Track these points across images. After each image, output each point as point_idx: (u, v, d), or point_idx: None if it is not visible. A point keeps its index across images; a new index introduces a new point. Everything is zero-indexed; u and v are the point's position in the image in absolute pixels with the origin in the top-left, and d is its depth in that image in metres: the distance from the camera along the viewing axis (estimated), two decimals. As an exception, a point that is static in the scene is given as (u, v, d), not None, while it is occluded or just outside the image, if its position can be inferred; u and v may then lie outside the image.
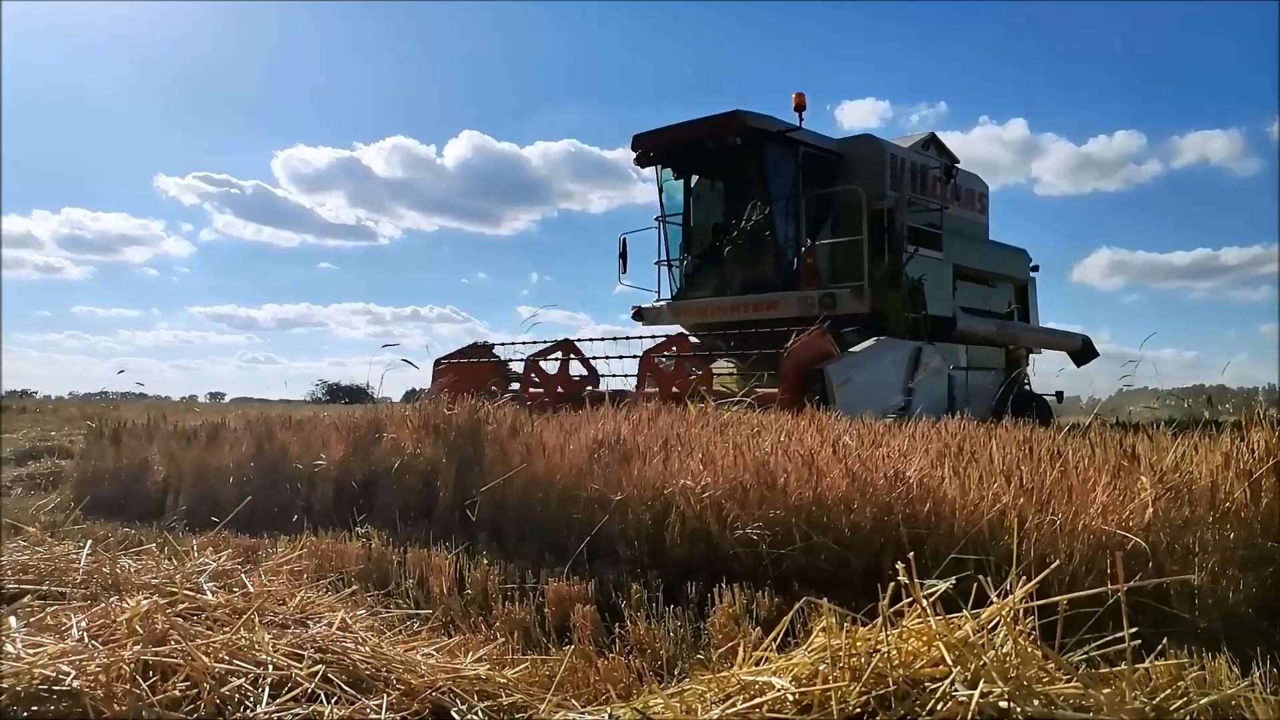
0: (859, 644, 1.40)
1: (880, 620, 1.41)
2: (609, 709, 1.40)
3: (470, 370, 10.01)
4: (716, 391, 8.31)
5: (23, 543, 2.45)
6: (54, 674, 1.43)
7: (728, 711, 1.26)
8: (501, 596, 3.61)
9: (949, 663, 1.35)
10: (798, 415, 5.94)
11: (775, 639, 1.53)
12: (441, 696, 1.93)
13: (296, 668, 1.75)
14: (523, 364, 9.88)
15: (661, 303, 11.53)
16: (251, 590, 2.28)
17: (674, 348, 9.05)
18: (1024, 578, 1.52)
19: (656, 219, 11.71)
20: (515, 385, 9.95)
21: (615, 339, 9.54)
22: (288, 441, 5.51)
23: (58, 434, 11.16)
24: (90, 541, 2.33)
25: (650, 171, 11.68)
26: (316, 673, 1.77)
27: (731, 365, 10.11)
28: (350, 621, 2.25)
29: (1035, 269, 14.16)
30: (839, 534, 3.60)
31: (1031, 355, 13.54)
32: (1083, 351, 13.76)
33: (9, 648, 1.59)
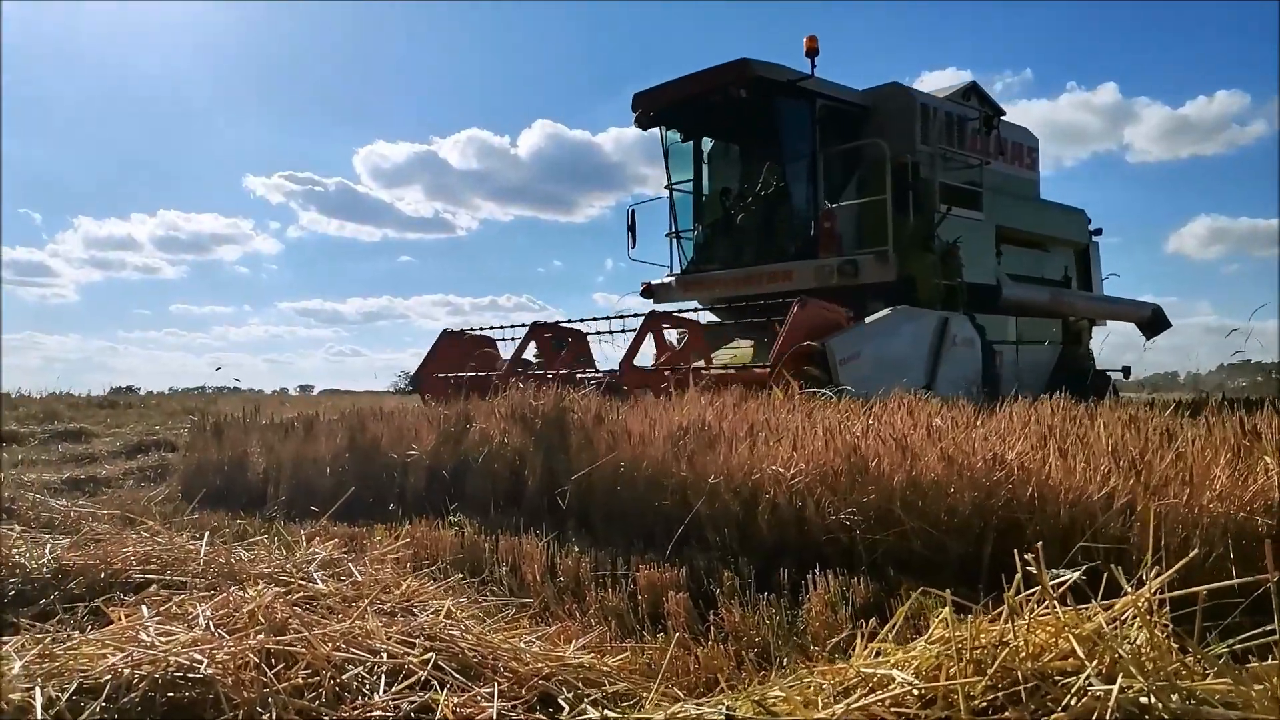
0: (983, 636, 1.35)
1: (1005, 611, 1.36)
2: (725, 700, 1.38)
3: (452, 356, 9.50)
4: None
5: (144, 534, 2.56)
6: (187, 662, 1.49)
7: (852, 706, 1.23)
8: (594, 583, 3.64)
9: (1080, 656, 1.30)
10: (788, 399, 5.49)
11: (892, 629, 1.49)
12: (548, 684, 1.95)
13: (409, 656, 1.79)
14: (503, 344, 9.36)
15: (671, 278, 10.76)
16: (359, 579, 2.34)
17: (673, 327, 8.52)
18: (1157, 567, 1.44)
19: (667, 187, 10.86)
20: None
21: (597, 319, 8.94)
22: (379, 433, 5.65)
23: (161, 428, 11.70)
24: (208, 533, 2.42)
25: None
26: (428, 660, 1.80)
27: (752, 343, 9.33)
28: (454, 610, 2.29)
29: (1098, 233, 12.95)
30: (935, 519, 3.51)
31: (1096, 327, 12.37)
32: (1152, 322, 12.67)
33: (143, 636, 1.66)
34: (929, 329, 7.96)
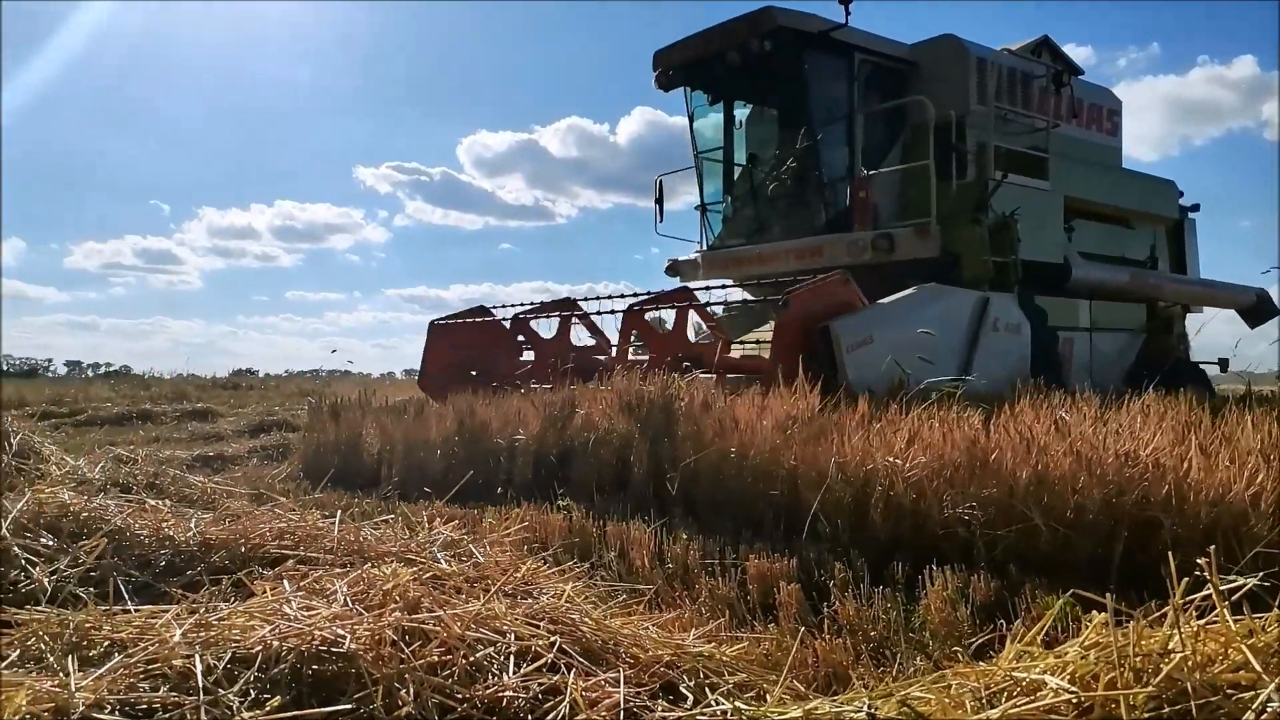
0: (1144, 643, 1.27)
1: (1171, 616, 1.28)
2: (863, 699, 1.35)
3: (472, 335, 8.76)
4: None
5: (278, 511, 2.68)
6: (331, 636, 1.54)
7: (1008, 712, 1.18)
8: (702, 571, 3.63)
9: (1257, 669, 1.21)
10: (790, 391, 4.91)
11: (1041, 632, 1.42)
12: (669, 672, 1.95)
13: (536, 638, 1.81)
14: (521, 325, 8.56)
15: (697, 254, 9.95)
16: (480, 560, 2.39)
17: (668, 303, 7.52)
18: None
19: (695, 156, 9.92)
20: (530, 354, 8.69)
21: (621, 296, 8.04)
22: (487, 417, 5.77)
23: (280, 409, 12.28)
24: (340, 512, 2.51)
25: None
26: (553, 644, 1.82)
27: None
28: (573, 594, 2.31)
29: (1194, 209, 11.53)
30: (1061, 515, 3.36)
31: (1190, 314, 11.15)
32: (1257, 309, 11.26)
33: (286, 609, 1.73)
34: (964, 311, 6.84)
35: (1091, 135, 10.17)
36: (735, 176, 9.76)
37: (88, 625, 1.59)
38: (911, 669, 2.49)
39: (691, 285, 8.91)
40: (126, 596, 1.97)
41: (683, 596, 3.40)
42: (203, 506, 3.20)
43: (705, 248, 9.83)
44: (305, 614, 1.69)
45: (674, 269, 10.21)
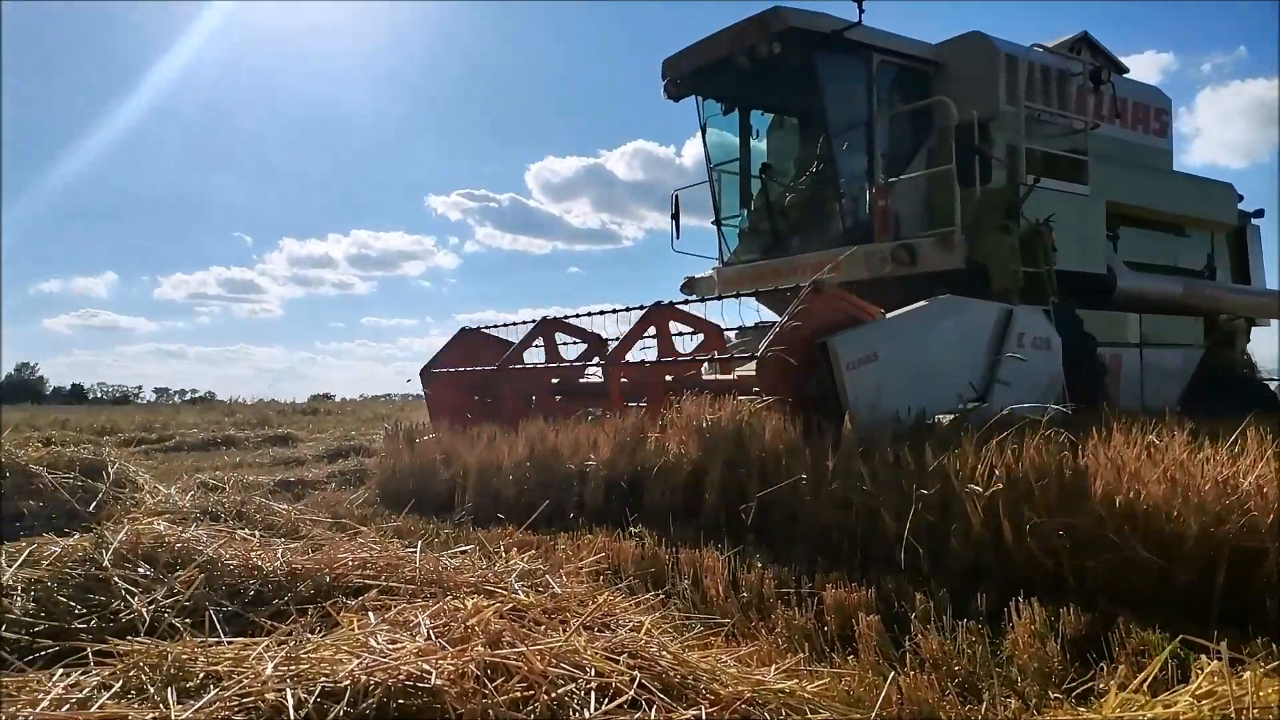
0: (1263, 693, 1.20)
1: (1291, 668, 1.21)
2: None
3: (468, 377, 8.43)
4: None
5: (359, 540, 2.73)
6: (417, 671, 1.55)
7: (1118, 766, 1.12)
8: (778, 600, 3.57)
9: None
10: (791, 414, 4.83)
11: (1148, 678, 1.36)
12: (750, 709, 1.92)
13: (616, 674, 1.80)
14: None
15: (712, 270, 9.50)
16: (558, 592, 2.40)
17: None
18: None
19: (710, 169, 9.44)
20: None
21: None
22: (558, 443, 5.81)
23: (356, 433, 12.58)
24: (420, 542, 2.55)
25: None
26: (634, 679, 1.81)
27: None
28: (649, 625, 2.30)
29: (1258, 214, 10.72)
30: (1155, 545, 3.21)
31: (1257, 327, 10.42)
32: None
33: (372, 642, 1.76)
34: (984, 325, 6.13)
35: (1137, 136, 9.51)
36: (752, 189, 9.34)
37: (185, 657, 1.64)
38: (1003, 710, 2.40)
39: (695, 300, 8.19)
40: (219, 627, 2.02)
41: (758, 627, 3.35)
42: (286, 534, 3.28)
43: (721, 263, 9.46)
44: (390, 647, 1.71)
45: (689, 286, 9.90)
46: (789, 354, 5.25)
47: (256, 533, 2.64)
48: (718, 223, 9.51)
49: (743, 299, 8.45)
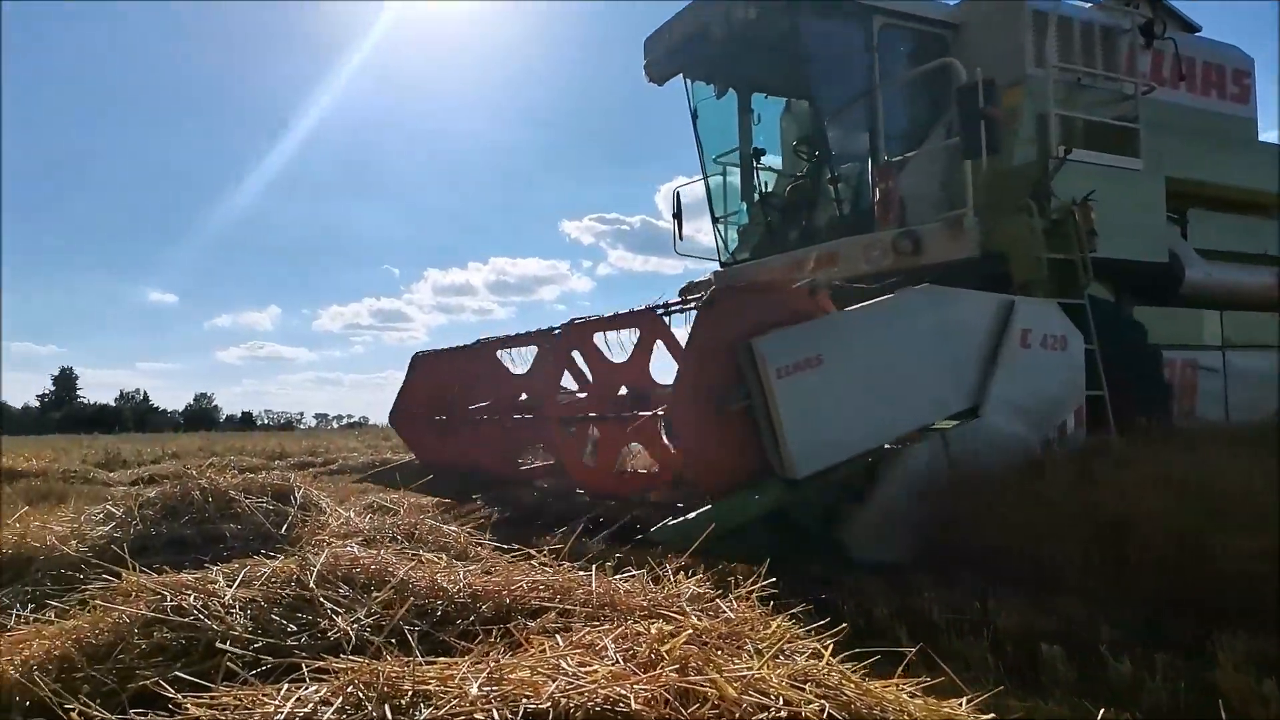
0: None
1: None
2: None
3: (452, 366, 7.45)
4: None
5: (533, 563, 2.82)
6: (614, 695, 1.59)
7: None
8: (949, 629, 3.44)
9: None
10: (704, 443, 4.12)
11: None
12: (945, 744, 1.86)
13: (803, 702, 1.78)
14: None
15: (710, 274, 8.51)
16: (731, 616, 2.39)
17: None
18: None
19: (718, 159, 8.40)
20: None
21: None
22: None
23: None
24: (594, 565, 2.61)
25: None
26: (822, 709, 1.79)
27: None
28: (829, 653, 2.26)
29: None
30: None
31: None
32: None
33: (563, 665, 1.81)
34: (976, 321, 4.91)
35: (1209, 102, 7.94)
36: (755, 180, 8.37)
37: (394, 675, 1.73)
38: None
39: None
40: (414, 646, 2.13)
41: (931, 656, 3.24)
42: (457, 555, 3.41)
43: (721, 264, 8.57)
44: (582, 670, 1.75)
45: (689, 291, 8.57)
46: (707, 365, 4.25)
47: (442, 555, 2.77)
48: (715, 220, 8.59)
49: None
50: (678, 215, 8.91)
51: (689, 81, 8.02)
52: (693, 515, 3.92)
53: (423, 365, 7.76)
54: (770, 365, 4.06)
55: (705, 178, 8.54)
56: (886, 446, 4.59)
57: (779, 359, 4.09)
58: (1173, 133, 7.33)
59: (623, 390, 5.76)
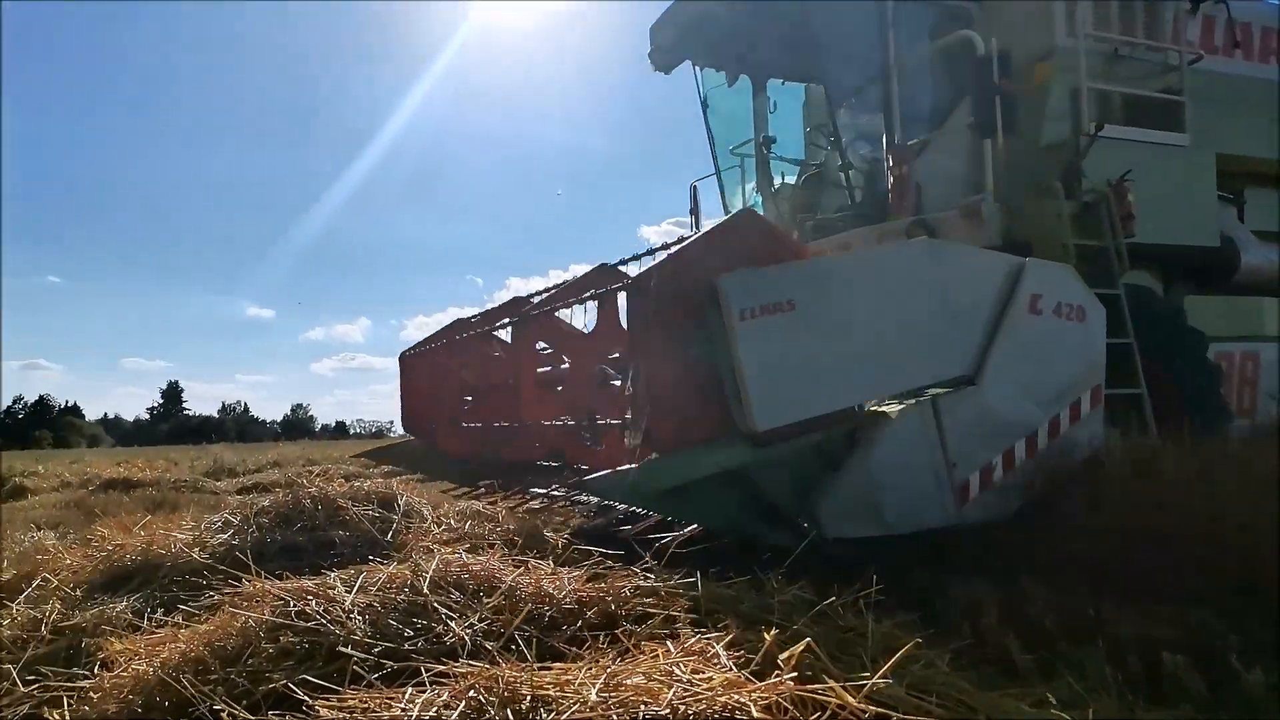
0: None
1: None
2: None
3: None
4: None
5: (635, 569, 2.84)
6: (733, 704, 1.59)
7: None
8: (1062, 636, 3.32)
9: None
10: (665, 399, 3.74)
11: None
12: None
13: (923, 712, 1.75)
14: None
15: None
16: (841, 624, 2.37)
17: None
18: None
19: (734, 151, 7.92)
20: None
21: None
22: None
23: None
24: (699, 575, 2.61)
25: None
26: (931, 712, 1.75)
27: None
28: (945, 662, 2.22)
29: None
30: None
31: None
32: None
33: (677, 671, 1.81)
34: (981, 281, 4.42)
35: (1268, 70, 7.21)
36: (774, 171, 7.96)
37: (512, 680, 1.77)
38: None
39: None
40: (525, 651, 2.17)
41: (1046, 666, 3.13)
42: (556, 559, 3.45)
43: None
44: (697, 678, 1.76)
45: None
46: (667, 313, 3.88)
47: (548, 562, 2.81)
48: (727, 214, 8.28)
49: None
50: (694, 211, 8.49)
51: (698, 69, 7.56)
52: (633, 466, 3.73)
53: (410, 365, 7.63)
54: (734, 305, 3.72)
55: (718, 171, 8.18)
56: (870, 408, 4.22)
57: (744, 300, 3.75)
58: (1222, 105, 6.72)
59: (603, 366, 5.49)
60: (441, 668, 1.96)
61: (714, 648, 1.95)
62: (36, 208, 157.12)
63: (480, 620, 2.32)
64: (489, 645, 2.20)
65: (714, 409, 3.79)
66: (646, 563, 2.84)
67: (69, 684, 2.43)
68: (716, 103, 7.83)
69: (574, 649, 2.28)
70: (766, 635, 1.92)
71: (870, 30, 6.36)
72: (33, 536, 5.44)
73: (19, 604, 3.58)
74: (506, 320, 6.09)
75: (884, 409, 4.22)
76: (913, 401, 4.22)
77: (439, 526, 4.10)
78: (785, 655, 1.80)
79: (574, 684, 1.74)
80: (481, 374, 7.22)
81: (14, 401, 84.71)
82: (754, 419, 3.69)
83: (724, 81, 7.67)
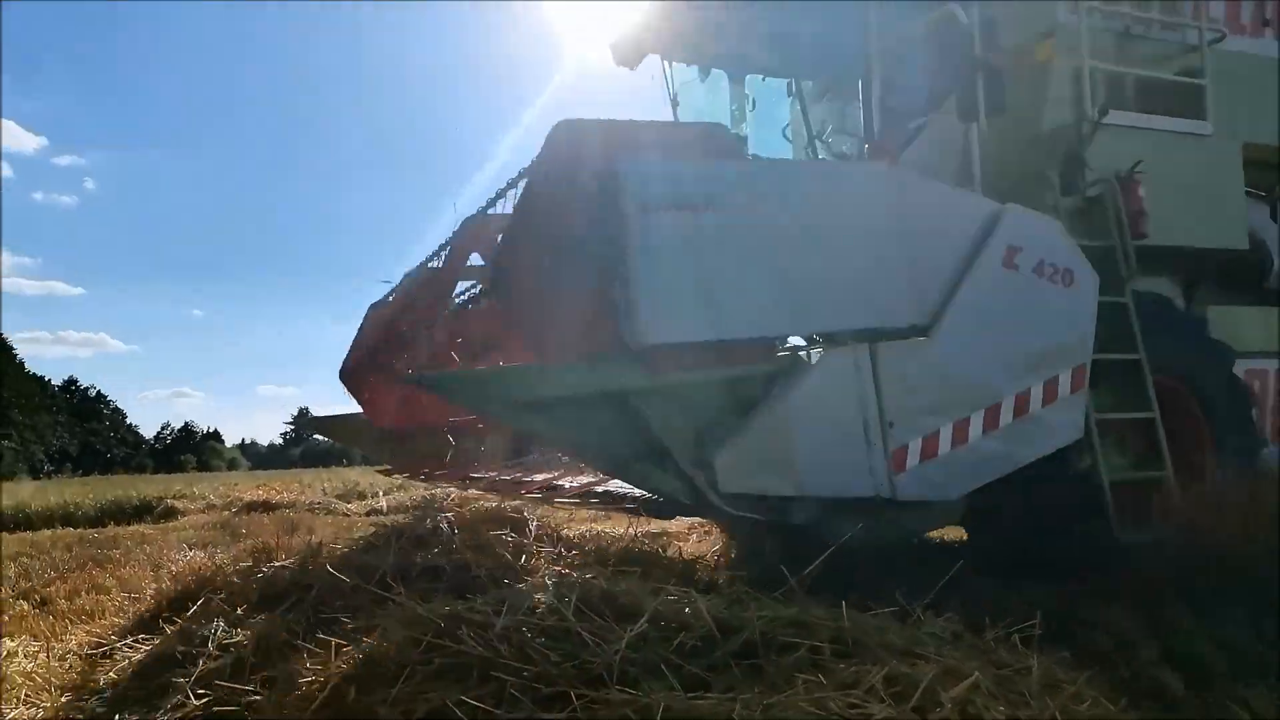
0: None
1: None
2: None
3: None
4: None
5: (774, 597, 2.82)
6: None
7: None
8: (1224, 668, 3.12)
9: None
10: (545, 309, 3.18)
11: None
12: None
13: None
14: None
15: None
16: (994, 659, 2.30)
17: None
18: None
19: None
20: None
21: None
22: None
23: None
24: (844, 604, 2.58)
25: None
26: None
27: None
28: (1103, 700, 2.12)
29: None
30: None
31: None
32: None
33: (832, 705, 1.80)
34: (951, 223, 3.91)
35: None
36: None
37: (669, 711, 1.79)
38: None
39: None
40: (671, 679, 2.19)
41: (1205, 703, 2.94)
42: (698, 587, 3.44)
43: None
44: (852, 712, 1.74)
45: None
46: (553, 208, 3.28)
47: (690, 590, 2.83)
48: None
49: None
50: None
51: (667, 63, 6.72)
52: (485, 369, 3.30)
53: (371, 316, 6.65)
54: (632, 193, 3.15)
55: None
56: (797, 345, 3.77)
57: (646, 189, 3.18)
58: (1250, 89, 6.02)
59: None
60: (593, 694, 1.99)
61: (869, 680, 1.92)
62: (184, 246, 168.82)
63: (626, 646, 2.35)
64: (634, 672, 2.23)
65: (604, 326, 3.24)
66: (786, 589, 2.81)
67: (243, 699, 2.59)
68: (686, 100, 6.96)
69: (712, 675, 2.28)
70: (925, 669, 1.89)
71: (851, 17, 5.69)
72: (186, 555, 5.80)
73: (185, 621, 3.85)
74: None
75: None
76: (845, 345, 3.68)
77: (570, 551, 4.18)
78: (953, 693, 1.75)
79: (730, 715, 1.74)
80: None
81: (162, 428, 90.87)
82: (641, 331, 3.15)
83: (696, 77, 6.86)
